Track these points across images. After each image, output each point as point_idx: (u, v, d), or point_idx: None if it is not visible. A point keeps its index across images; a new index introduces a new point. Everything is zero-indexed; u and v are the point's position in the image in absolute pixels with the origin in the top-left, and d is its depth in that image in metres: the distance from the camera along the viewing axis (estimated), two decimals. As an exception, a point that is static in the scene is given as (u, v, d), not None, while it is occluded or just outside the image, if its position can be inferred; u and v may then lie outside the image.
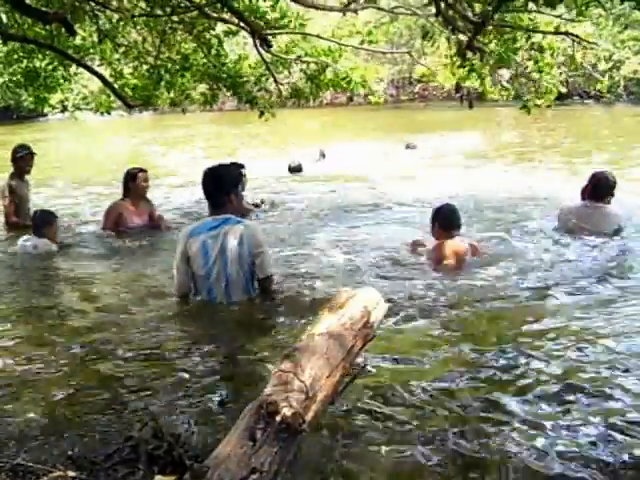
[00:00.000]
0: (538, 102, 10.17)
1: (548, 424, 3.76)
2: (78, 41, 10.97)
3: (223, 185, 5.86)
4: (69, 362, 4.88)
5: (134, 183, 9.16)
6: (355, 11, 9.34)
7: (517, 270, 6.79)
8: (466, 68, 9.62)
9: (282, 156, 16.80)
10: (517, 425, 3.76)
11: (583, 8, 8.99)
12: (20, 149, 9.82)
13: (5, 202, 9.79)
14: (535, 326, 5.34)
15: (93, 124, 30.30)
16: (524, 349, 4.79)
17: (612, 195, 7.96)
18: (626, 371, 4.42)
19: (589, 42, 10.51)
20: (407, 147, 17.89)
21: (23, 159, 9.75)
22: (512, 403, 4.01)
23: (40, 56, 11.40)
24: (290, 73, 13.50)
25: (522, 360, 4.61)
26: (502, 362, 4.60)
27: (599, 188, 7.93)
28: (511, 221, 9.34)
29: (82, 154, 22.12)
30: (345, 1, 10.04)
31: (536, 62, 10.06)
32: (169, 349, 5.09)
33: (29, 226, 9.17)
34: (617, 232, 7.88)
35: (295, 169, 14.36)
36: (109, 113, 12.30)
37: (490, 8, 7.45)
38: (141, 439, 3.31)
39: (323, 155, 15.89)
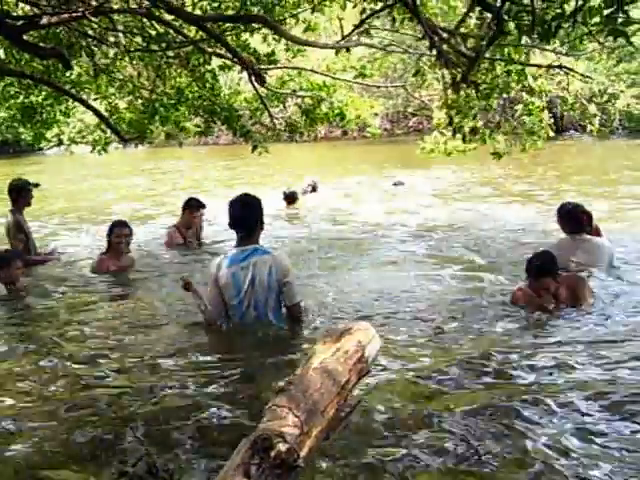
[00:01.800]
0: (527, 147, 10.16)
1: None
2: (74, 76, 11.04)
3: (254, 215, 6.06)
4: (60, 395, 4.88)
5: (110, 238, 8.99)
6: (347, 48, 9.39)
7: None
8: (456, 107, 9.64)
9: (268, 189, 17.00)
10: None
11: (577, 42, 9.06)
12: (23, 183, 9.75)
13: (15, 241, 9.61)
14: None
15: (89, 158, 30.36)
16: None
17: (584, 224, 7.79)
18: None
19: (582, 75, 10.57)
20: (395, 184, 17.85)
21: (27, 193, 9.67)
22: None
23: (37, 91, 11.46)
24: (285, 107, 13.59)
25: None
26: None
27: (572, 220, 7.82)
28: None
29: (73, 188, 22.18)
30: (339, 37, 10.11)
31: (526, 105, 10.10)
32: (164, 381, 5.08)
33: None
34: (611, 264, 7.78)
35: (289, 196, 14.29)
36: (106, 151, 12.31)
37: (484, 42, 7.50)
38: (135, 475, 3.30)
39: (314, 188, 15.71)
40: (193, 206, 10.47)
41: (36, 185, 9.82)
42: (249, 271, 5.92)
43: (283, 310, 6.14)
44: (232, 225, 6.07)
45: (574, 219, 7.74)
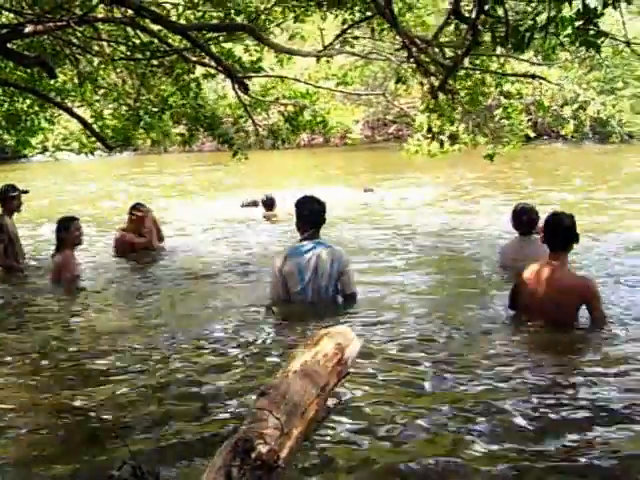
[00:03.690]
0: (506, 148, 10.23)
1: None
2: (59, 84, 10.99)
3: (320, 213, 6.73)
4: (45, 398, 4.85)
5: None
6: (330, 56, 9.41)
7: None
8: (437, 112, 9.68)
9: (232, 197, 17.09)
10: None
11: (550, 52, 9.13)
12: (10, 189, 9.67)
13: None
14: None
15: (73, 165, 30.22)
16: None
17: (535, 226, 8.01)
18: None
19: (555, 84, 10.66)
20: (365, 191, 17.81)
21: (15, 198, 9.60)
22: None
23: (21, 99, 11.39)
24: (268, 115, 13.58)
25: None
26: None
27: (523, 221, 8.08)
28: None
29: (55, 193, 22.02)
30: (321, 47, 10.13)
31: (505, 108, 10.16)
32: (150, 384, 5.06)
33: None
34: None
35: (267, 202, 14.23)
36: (92, 154, 12.25)
37: (460, 52, 7.56)
38: (120, 478, 3.28)
39: (255, 203, 15.35)
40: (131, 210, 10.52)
41: (25, 192, 9.75)
42: (312, 262, 6.55)
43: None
44: (300, 222, 6.74)
45: (523, 220, 8.06)
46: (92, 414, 4.56)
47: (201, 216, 14.56)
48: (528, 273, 6.09)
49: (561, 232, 5.99)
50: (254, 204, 15.04)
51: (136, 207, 10.51)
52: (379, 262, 9.28)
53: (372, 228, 12.28)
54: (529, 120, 11.14)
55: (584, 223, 11.97)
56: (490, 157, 10.11)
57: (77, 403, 4.74)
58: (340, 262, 6.63)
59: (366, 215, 14.01)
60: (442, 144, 9.80)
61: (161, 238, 10.85)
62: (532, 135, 11.11)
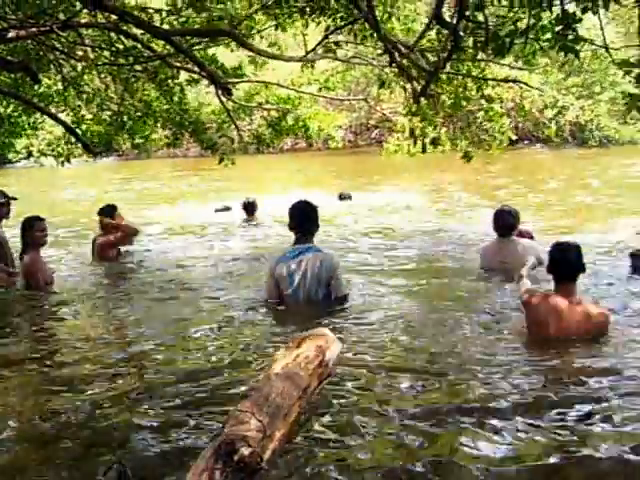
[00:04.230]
0: (491, 151, 10.25)
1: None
2: (42, 89, 10.94)
3: (311, 219, 6.82)
4: (30, 403, 4.81)
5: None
6: (313, 61, 9.41)
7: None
8: (419, 116, 9.69)
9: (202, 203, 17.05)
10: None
11: (530, 57, 9.17)
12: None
13: None
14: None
15: (57, 170, 30.01)
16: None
17: (515, 229, 8.12)
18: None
19: (536, 89, 10.71)
20: (341, 197, 17.13)
21: (4, 205, 9.46)
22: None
23: (4, 103, 11.32)
24: (251, 120, 13.57)
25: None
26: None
27: (502, 223, 8.12)
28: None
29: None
30: (303, 52, 10.12)
31: (486, 112, 10.19)
32: (134, 388, 5.03)
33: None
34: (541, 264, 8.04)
35: (248, 206, 14.15)
36: (69, 161, 12.12)
37: (442, 57, 7.57)
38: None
39: (227, 208, 15.21)
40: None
41: (13, 198, 9.63)
42: (302, 266, 6.65)
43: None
44: (292, 226, 6.83)
45: (503, 222, 8.10)
46: (74, 420, 4.51)
47: (179, 221, 14.45)
48: (542, 310, 5.66)
49: (567, 265, 5.67)
50: (227, 209, 15.03)
51: (104, 212, 10.09)
52: (359, 265, 9.27)
53: (351, 231, 12.28)
54: (509, 124, 11.17)
55: (561, 224, 12.16)
56: (468, 158, 10.10)
57: (59, 409, 4.70)
58: (330, 266, 6.69)
59: (344, 219, 13.87)
60: (424, 148, 9.81)
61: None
62: (513, 138, 11.14)
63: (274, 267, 6.79)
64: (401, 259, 9.65)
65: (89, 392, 5.00)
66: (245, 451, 2.55)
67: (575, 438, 3.99)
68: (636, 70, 4.97)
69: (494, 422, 4.20)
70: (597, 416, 4.25)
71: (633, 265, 8.07)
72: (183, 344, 6.06)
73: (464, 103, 9.79)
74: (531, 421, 4.21)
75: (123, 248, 10.26)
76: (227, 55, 10.69)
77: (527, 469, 3.68)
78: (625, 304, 6.78)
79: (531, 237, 8.59)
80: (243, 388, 3.08)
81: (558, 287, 5.69)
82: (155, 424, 4.34)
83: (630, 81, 5.00)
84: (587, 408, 4.39)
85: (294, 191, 17.96)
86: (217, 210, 15.23)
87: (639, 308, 6.70)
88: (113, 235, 10.03)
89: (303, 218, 6.82)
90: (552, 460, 3.76)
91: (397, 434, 4.06)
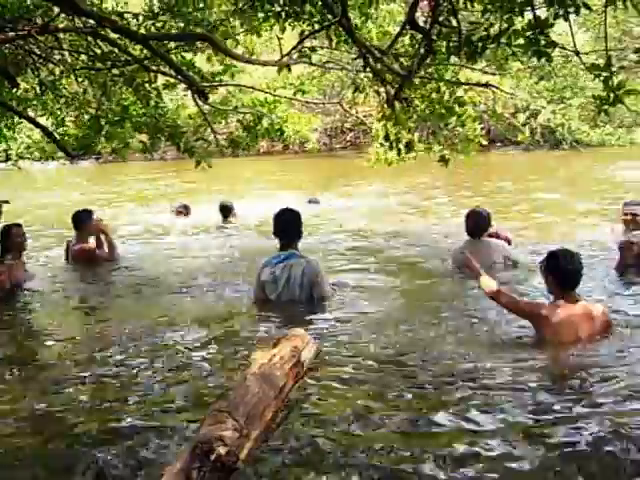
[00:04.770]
0: (462, 155, 10.25)
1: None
2: (20, 92, 10.84)
3: (294, 226, 7.12)
4: (8, 403, 4.79)
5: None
6: (288, 66, 9.38)
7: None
8: (393, 120, 9.68)
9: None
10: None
11: (503, 62, 9.22)
12: None
13: None
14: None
15: (36, 173, 29.79)
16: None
17: (486, 230, 8.31)
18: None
19: (508, 93, 10.75)
20: (309, 202, 16.75)
21: None
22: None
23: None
24: (227, 123, 13.52)
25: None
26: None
27: (473, 224, 8.32)
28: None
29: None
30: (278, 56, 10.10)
31: (459, 116, 10.19)
32: (111, 391, 5.02)
33: None
34: (515, 265, 8.23)
35: (224, 209, 14.02)
36: (53, 158, 12.04)
37: (415, 61, 7.60)
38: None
39: (186, 211, 14.89)
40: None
41: (5, 202, 9.56)
42: (285, 272, 6.92)
43: None
44: (276, 233, 7.13)
45: (474, 224, 8.34)
46: (53, 420, 4.50)
47: (151, 223, 14.38)
48: (560, 320, 5.57)
49: (577, 273, 5.64)
50: (185, 209, 14.84)
51: (80, 218, 9.95)
52: (334, 267, 9.29)
53: (322, 234, 12.29)
54: (482, 129, 11.19)
55: (533, 224, 12.25)
56: (445, 161, 10.11)
57: (37, 410, 4.69)
58: (311, 272, 6.97)
59: (316, 223, 13.66)
60: (399, 152, 9.81)
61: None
62: (484, 142, 11.18)
63: (260, 272, 7.10)
64: (373, 261, 9.68)
65: (65, 393, 4.99)
66: (222, 450, 2.55)
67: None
68: (604, 73, 5.04)
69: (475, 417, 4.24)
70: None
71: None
72: (159, 346, 6.06)
73: (437, 107, 9.80)
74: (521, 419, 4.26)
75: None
76: (204, 66, 10.63)
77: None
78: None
79: (508, 241, 8.66)
80: (220, 389, 3.07)
81: (565, 294, 5.66)
82: (132, 424, 4.34)
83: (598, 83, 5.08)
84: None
85: (265, 195, 17.99)
86: (173, 210, 14.90)
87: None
88: (93, 243, 9.93)
89: (287, 226, 7.10)
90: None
91: (372, 429, 4.08)
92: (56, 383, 5.24)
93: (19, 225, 8.68)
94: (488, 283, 6.02)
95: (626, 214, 9.15)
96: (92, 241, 9.93)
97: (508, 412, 4.35)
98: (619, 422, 4.14)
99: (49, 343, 6.43)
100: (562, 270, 5.63)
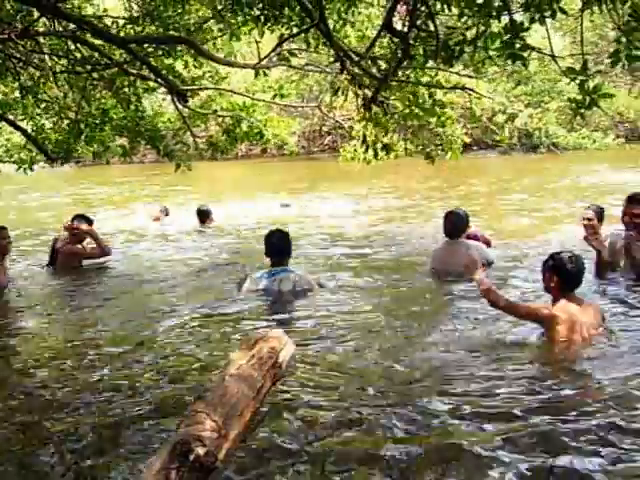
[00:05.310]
0: (447, 156, 10.27)
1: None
2: (0, 96, 10.80)
3: (285, 245, 7.70)
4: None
5: None
6: (268, 68, 9.39)
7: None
8: (372, 122, 9.69)
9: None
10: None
11: (479, 65, 9.26)
12: None
13: None
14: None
15: (15, 177, 29.52)
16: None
17: (464, 231, 8.34)
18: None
19: (484, 96, 10.78)
20: (281, 205, 17.01)
21: None
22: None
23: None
24: (207, 127, 13.50)
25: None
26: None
27: (451, 226, 8.30)
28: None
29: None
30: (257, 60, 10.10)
31: (439, 117, 10.22)
32: (90, 392, 5.00)
33: None
34: (489, 265, 8.16)
35: (201, 214, 14.01)
36: (32, 170, 11.92)
37: (392, 65, 7.62)
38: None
39: (166, 213, 14.98)
40: None
41: None
42: (276, 286, 7.41)
43: None
44: (268, 252, 7.65)
45: (452, 225, 8.33)
46: (34, 423, 4.48)
47: (130, 227, 14.31)
48: (571, 321, 5.58)
49: (582, 274, 5.72)
50: (162, 213, 14.85)
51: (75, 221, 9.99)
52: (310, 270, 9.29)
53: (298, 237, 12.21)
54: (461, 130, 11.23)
55: (509, 225, 12.33)
56: (431, 158, 10.14)
57: (17, 413, 4.66)
58: (302, 285, 7.49)
59: (295, 225, 13.53)
60: (376, 154, 9.82)
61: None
62: (467, 140, 11.21)
63: (251, 285, 7.53)
64: (350, 264, 9.68)
65: (44, 395, 4.97)
66: (200, 451, 2.55)
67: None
68: (580, 77, 5.07)
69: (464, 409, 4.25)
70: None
71: None
72: (139, 348, 6.04)
73: (415, 109, 9.82)
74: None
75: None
76: (183, 71, 10.61)
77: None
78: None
79: (487, 242, 8.70)
80: (198, 389, 3.07)
81: (568, 294, 5.70)
82: (110, 425, 4.33)
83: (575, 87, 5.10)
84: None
85: (240, 199, 17.99)
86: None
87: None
88: (81, 245, 9.88)
89: (278, 248, 7.64)
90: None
91: (352, 428, 4.10)
92: (35, 387, 5.22)
93: (4, 228, 8.62)
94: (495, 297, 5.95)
95: (583, 219, 9.15)
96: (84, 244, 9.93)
97: (507, 412, 4.36)
98: (622, 420, 4.16)
99: (30, 346, 6.41)
100: (567, 271, 5.67)
